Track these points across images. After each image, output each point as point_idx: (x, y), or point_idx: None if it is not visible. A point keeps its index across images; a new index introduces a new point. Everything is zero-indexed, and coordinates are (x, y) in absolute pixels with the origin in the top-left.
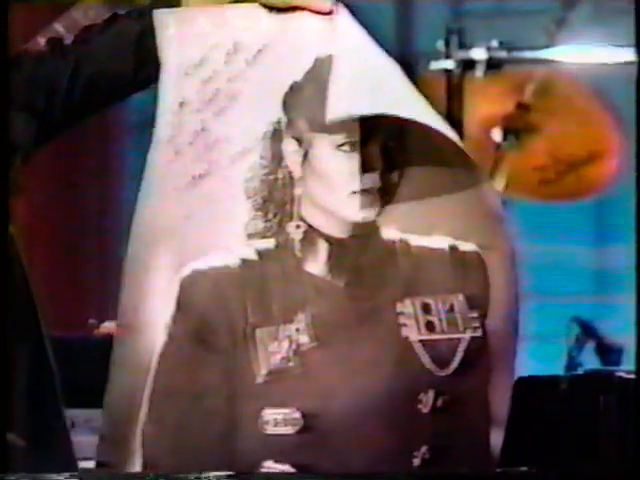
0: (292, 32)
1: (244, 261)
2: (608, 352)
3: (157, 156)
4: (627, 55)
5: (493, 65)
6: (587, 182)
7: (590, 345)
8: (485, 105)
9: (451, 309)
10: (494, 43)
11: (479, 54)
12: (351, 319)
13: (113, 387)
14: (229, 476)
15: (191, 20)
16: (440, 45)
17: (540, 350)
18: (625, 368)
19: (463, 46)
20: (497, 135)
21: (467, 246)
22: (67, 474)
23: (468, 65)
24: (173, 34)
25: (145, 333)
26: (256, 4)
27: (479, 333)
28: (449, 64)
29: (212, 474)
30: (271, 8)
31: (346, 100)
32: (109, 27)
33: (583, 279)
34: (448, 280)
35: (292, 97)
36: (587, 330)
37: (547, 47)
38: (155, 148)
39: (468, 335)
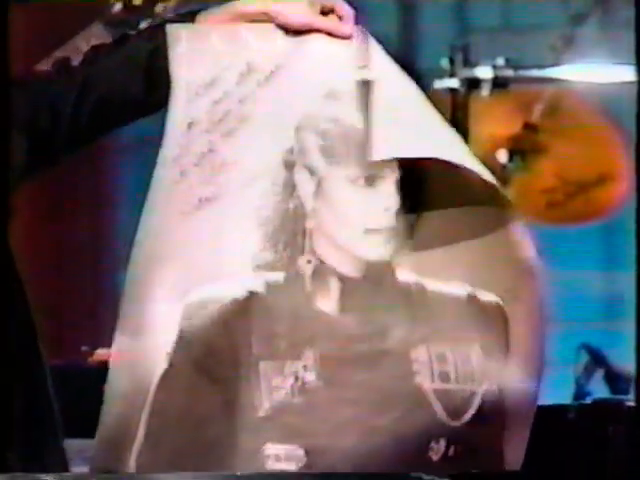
0: (309, 55)
1: (251, 293)
2: (617, 380)
3: (162, 176)
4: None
5: (499, 84)
6: (596, 205)
7: (599, 373)
8: (491, 125)
9: (467, 360)
10: (500, 61)
11: (484, 72)
12: (361, 361)
13: (107, 416)
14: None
15: (204, 37)
16: (444, 63)
17: (547, 378)
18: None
19: (468, 64)
20: (503, 156)
21: (487, 296)
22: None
23: (473, 84)
24: (185, 51)
25: (144, 360)
26: (272, 25)
27: (496, 386)
28: (454, 83)
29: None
30: (287, 30)
31: (392, 141)
32: (118, 47)
33: (592, 305)
34: (465, 329)
35: (305, 125)
36: (596, 358)
37: (555, 65)
38: (160, 168)
39: (484, 388)
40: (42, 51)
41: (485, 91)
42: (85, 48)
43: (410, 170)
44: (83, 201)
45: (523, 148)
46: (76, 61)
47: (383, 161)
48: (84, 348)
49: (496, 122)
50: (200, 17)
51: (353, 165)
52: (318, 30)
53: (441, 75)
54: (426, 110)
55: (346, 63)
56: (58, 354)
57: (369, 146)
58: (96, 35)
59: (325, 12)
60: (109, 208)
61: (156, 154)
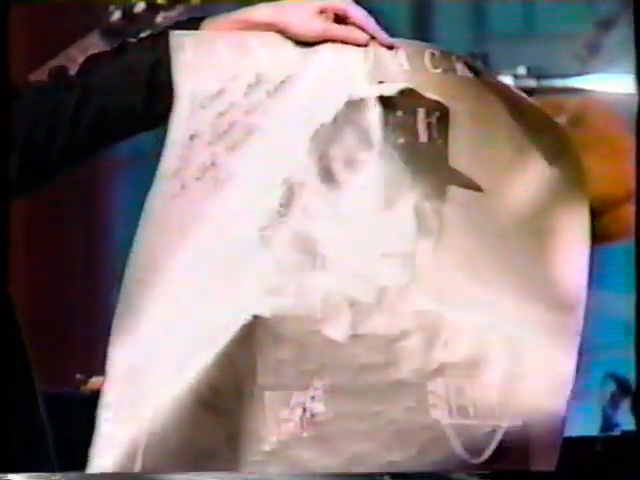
0: (322, 65)
1: (256, 318)
2: None
3: (160, 190)
4: None
5: None
6: (624, 223)
7: (626, 403)
8: None
9: (488, 395)
10: (521, 70)
11: (505, 82)
12: (373, 392)
13: (100, 445)
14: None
15: (210, 45)
16: None
17: (573, 408)
18: None
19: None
20: None
21: (509, 325)
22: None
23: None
24: (189, 60)
25: (138, 390)
26: (281, 35)
27: (518, 422)
28: None
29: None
30: (299, 41)
31: None
32: (119, 56)
33: (618, 330)
34: (486, 360)
35: (318, 140)
36: (623, 387)
37: (580, 74)
38: (159, 181)
39: (506, 423)
40: (43, 52)
41: None
42: (81, 59)
43: (431, 191)
44: (75, 221)
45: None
46: (73, 71)
47: (401, 182)
48: (78, 376)
49: None
50: (205, 24)
51: (370, 185)
52: (333, 40)
53: None
54: None
55: (362, 73)
56: (51, 382)
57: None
58: (93, 45)
59: (339, 18)
60: (103, 229)
61: (153, 170)
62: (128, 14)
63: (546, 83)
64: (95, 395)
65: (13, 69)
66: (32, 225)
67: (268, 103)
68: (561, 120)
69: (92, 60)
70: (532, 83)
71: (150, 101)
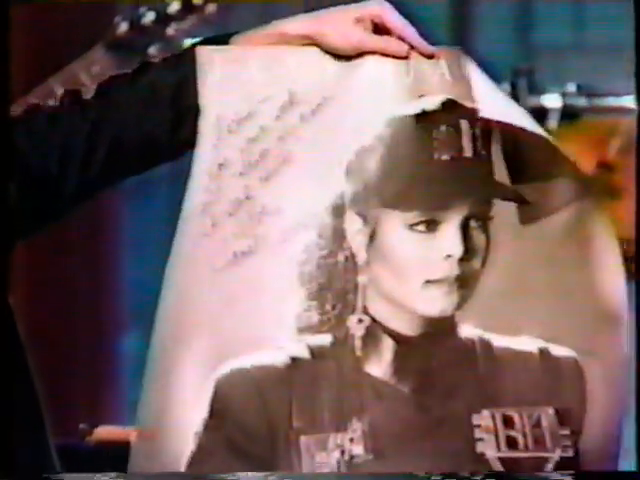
0: (362, 82)
1: (294, 360)
2: None
3: (189, 228)
4: None
5: (569, 114)
6: None
7: None
8: None
9: (538, 424)
10: (571, 87)
11: (552, 101)
12: (416, 430)
13: None
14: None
15: (240, 63)
16: (505, 89)
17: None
18: None
19: (533, 91)
20: None
21: (562, 350)
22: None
23: (538, 114)
24: (218, 80)
25: (169, 441)
26: (318, 49)
27: (570, 453)
28: None
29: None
30: (337, 55)
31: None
32: (139, 78)
33: None
34: (536, 390)
35: (358, 164)
36: None
37: (634, 93)
38: (186, 218)
39: (557, 455)
40: (43, 54)
41: (552, 123)
42: (84, 76)
43: (478, 209)
44: (79, 259)
45: (597, 191)
46: (88, 94)
47: (446, 202)
48: (82, 426)
49: None
50: (235, 40)
51: (411, 207)
52: (372, 53)
53: None
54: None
55: (403, 87)
56: (52, 433)
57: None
58: (98, 60)
59: (377, 28)
60: (110, 266)
61: (164, 199)
62: (136, 25)
63: (597, 102)
64: (102, 446)
65: (13, 81)
66: (33, 265)
67: (303, 128)
68: (614, 144)
69: (108, 83)
70: (582, 102)
71: (174, 128)
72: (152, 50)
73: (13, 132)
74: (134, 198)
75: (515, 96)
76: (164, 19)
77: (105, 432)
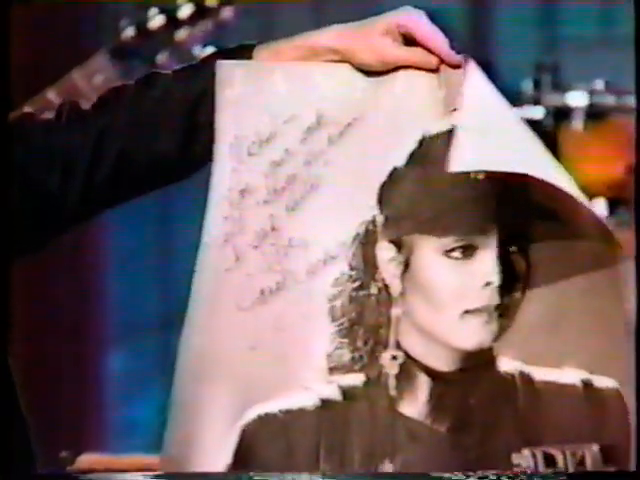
0: (392, 100)
1: (324, 402)
2: None
3: (211, 261)
4: None
5: (596, 113)
6: None
7: None
8: (585, 166)
9: (581, 462)
10: (598, 84)
11: (578, 99)
12: (452, 471)
13: None
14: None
15: (265, 78)
16: (527, 86)
17: None
18: None
19: (557, 88)
20: (601, 207)
21: (605, 382)
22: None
23: (563, 113)
24: (238, 96)
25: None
26: (348, 65)
27: None
28: (538, 111)
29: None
30: (366, 71)
31: (472, 152)
32: (147, 90)
33: None
34: (580, 425)
35: (391, 187)
36: None
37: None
38: (207, 250)
39: None
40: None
41: (578, 123)
42: (85, 86)
43: (518, 233)
44: (62, 281)
45: (626, 197)
46: (86, 105)
47: (485, 225)
48: (64, 454)
49: (592, 163)
50: (258, 51)
51: (448, 232)
52: (403, 66)
53: (523, 102)
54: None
55: (436, 102)
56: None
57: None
58: (101, 67)
59: (407, 39)
60: (94, 289)
61: (150, 213)
62: (142, 30)
63: (627, 100)
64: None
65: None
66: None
67: (330, 151)
68: None
69: (110, 94)
70: (610, 100)
71: (186, 145)
72: (160, 58)
73: (12, 143)
74: (120, 214)
75: (538, 94)
76: (174, 23)
77: (89, 461)
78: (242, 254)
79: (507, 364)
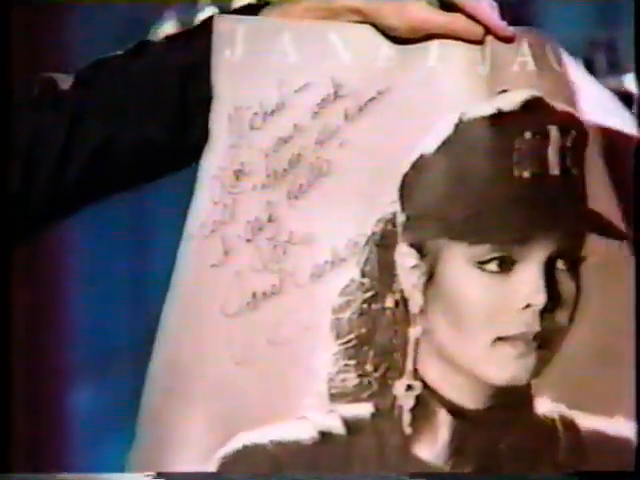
0: (423, 75)
1: (323, 435)
2: None
3: (193, 257)
4: None
5: None
6: None
7: None
8: None
9: None
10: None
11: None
12: None
13: None
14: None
15: (272, 38)
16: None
17: None
18: None
19: (614, 69)
20: None
21: None
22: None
23: (620, 99)
24: (239, 58)
25: None
26: (372, 28)
27: None
28: None
29: None
30: (394, 37)
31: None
32: (135, 61)
33: None
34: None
35: (416, 179)
36: None
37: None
38: (190, 242)
39: None
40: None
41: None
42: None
43: (569, 243)
44: (21, 297)
45: None
46: (66, 84)
47: (530, 232)
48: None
49: None
50: (266, 12)
51: (483, 239)
52: (439, 34)
53: None
54: None
55: (478, 81)
56: None
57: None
58: None
59: (447, 5)
60: (57, 307)
61: (122, 224)
62: None
63: None
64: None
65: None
66: None
67: (347, 129)
68: None
69: (93, 69)
70: None
71: (180, 128)
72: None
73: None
74: (86, 224)
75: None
76: None
77: None
78: (232, 248)
79: (546, 405)
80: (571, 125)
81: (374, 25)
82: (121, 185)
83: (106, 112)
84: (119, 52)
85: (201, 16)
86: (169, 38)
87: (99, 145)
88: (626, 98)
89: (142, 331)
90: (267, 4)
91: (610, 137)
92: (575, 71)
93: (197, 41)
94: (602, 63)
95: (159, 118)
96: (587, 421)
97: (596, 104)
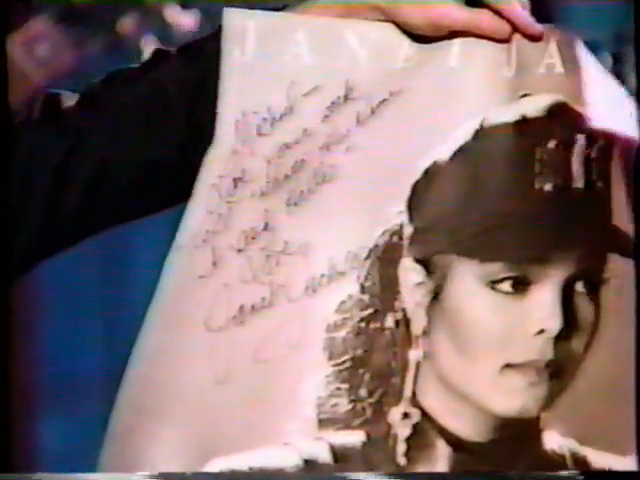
0: (442, 75)
1: (308, 463)
2: None
3: (180, 265)
4: None
5: None
6: None
7: None
8: None
9: None
10: None
11: None
12: None
13: None
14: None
15: (285, 37)
16: (606, 62)
17: None
18: None
19: None
20: None
21: None
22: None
23: None
24: (250, 58)
25: None
26: (391, 26)
27: None
28: None
29: None
30: (413, 35)
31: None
32: (141, 77)
33: None
34: None
35: (427, 189)
36: None
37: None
38: (178, 251)
39: None
40: None
41: None
42: (26, 59)
43: (590, 263)
44: None
45: None
46: (71, 100)
47: (545, 253)
48: None
49: None
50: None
51: (496, 257)
52: (462, 32)
53: None
54: None
55: (501, 84)
56: None
57: None
58: (42, 35)
59: (473, 1)
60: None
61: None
62: None
63: None
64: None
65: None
66: None
67: (357, 133)
68: None
69: (105, 83)
70: None
71: (189, 149)
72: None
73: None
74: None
75: (617, 71)
76: None
77: None
78: (221, 258)
79: (556, 441)
80: (598, 134)
81: (394, 22)
82: (118, 216)
83: (108, 133)
84: (136, 65)
85: None
86: (180, 49)
87: (98, 170)
88: None
89: (114, 361)
90: (285, 7)
91: (624, 146)
92: (595, 74)
93: (207, 52)
94: (629, 57)
95: (171, 135)
96: (600, 459)
97: (612, 110)
